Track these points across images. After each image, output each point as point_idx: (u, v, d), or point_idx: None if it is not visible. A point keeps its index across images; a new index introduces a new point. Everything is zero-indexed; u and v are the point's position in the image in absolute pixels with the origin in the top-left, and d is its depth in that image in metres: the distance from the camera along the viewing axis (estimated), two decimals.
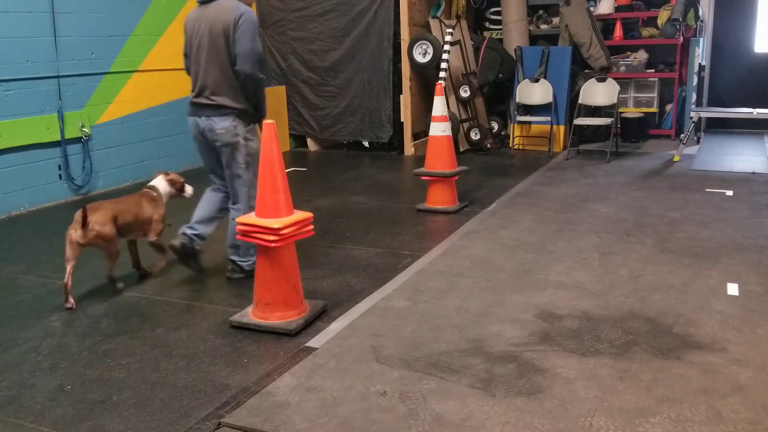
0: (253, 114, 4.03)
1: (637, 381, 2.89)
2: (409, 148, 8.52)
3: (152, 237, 4.26)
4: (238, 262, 4.24)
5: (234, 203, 4.15)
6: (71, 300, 3.90)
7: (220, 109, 3.91)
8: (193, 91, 4.02)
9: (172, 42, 7.63)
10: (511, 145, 8.67)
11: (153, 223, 4.23)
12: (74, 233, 3.85)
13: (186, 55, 4.09)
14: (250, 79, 3.87)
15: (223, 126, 3.91)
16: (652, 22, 8.95)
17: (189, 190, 4.48)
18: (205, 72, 3.91)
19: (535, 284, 4.04)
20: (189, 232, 4.22)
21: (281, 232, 3.38)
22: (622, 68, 8.99)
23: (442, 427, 2.59)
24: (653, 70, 8.98)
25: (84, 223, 3.82)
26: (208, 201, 4.28)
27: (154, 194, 4.29)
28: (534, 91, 8.52)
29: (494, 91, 9.12)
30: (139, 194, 4.27)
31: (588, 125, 8.46)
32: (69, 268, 3.87)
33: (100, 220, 3.89)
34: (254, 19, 3.87)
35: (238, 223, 3.55)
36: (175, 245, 4.18)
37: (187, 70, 4.12)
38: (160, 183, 4.36)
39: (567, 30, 8.70)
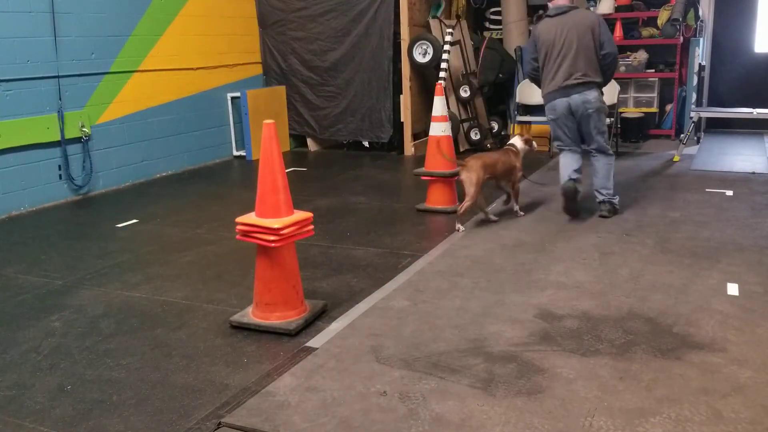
0: (602, 84, 5.33)
1: (637, 381, 2.89)
2: (409, 148, 8.52)
3: (515, 182, 5.50)
4: (609, 200, 5.43)
5: (598, 152, 5.41)
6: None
7: (590, 85, 5.19)
8: (552, 81, 5.26)
9: (172, 42, 7.64)
10: None
11: (515, 171, 5.44)
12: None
13: (535, 59, 5.40)
14: (613, 56, 5.27)
15: (593, 96, 5.20)
16: (652, 22, 8.95)
17: (535, 144, 5.74)
18: (574, 61, 5.18)
19: (535, 284, 4.04)
20: (574, 177, 5.42)
21: (281, 232, 3.38)
22: (622, 68, 8.98)
23: (442, 427, 2.59)
24: (653, 70, 8.98)
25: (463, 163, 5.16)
26: (571, 160, 5.46)
27: (515, 149, 5.52)
28: (534, 91, 8.42)
29: (494, 91, 9.11)
30: (504, 150, 5.53)
31: None
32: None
33: (471, 165, 5.12)
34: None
35: (237, 223, 3.55)
36: (567, 188, 5.37)
37: (537, 70, 5.43)
38: (518, 141, 5.58)
39: None
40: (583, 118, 5.27)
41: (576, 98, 5.21)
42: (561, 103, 5.28)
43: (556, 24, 5.28)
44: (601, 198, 5.46)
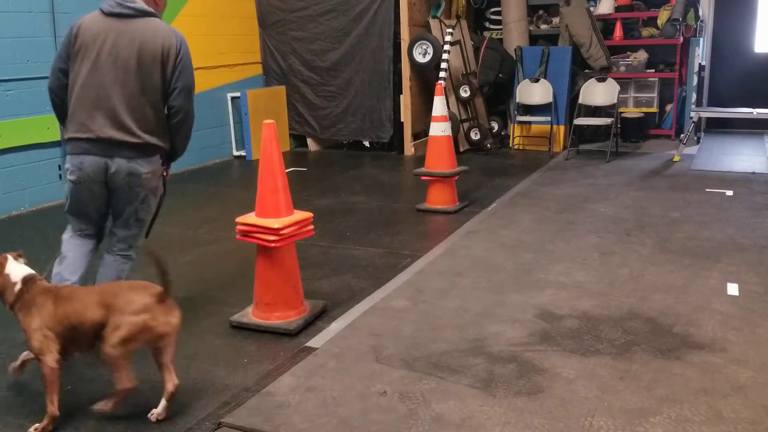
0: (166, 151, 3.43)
1: (637, 381, 2.89)
2: (409, 148, 8.52)
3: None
4: None
5: (120, 251, 3.52)
6: None
7: (147, 149, 3.27)
8: (85, 121, 3.24)
9: None
10: (511, 145, 8.67)
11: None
12: None
13: (64, 71, 3.31)
14: (186, 114, 3.34)
15: (149, 169, 3.32)
16: (652, 22, 8.94)
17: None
18: (123, 101, 3.27)
19: (535, 284, 4.03)
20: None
21: (281, 232, 3.38)
22: (622, 68, 8.99)
23: (442, 427, 2.59)
24: (653, 70, 8.98)
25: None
26: (79, 254, 3.49)
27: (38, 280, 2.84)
28: (534, 91, 8.51)
29: (494, 91, 9.11)
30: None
31: (588, 125, 8.46)
32: None
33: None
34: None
35: (237, 223, 3.54)
36: None
37: (64, 89, 3.33)
38: (18, 268, 2.78)
39: (567, 30, 8.70)
40: (120, 195, 3.28)
41: (122, 164, 3.19)
42: (94, 162, 3.19)
43: (107, 30, 3.17)
44: None
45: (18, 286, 2.68)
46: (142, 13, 3.22)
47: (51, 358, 2.60)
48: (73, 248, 3.45)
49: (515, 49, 8.80)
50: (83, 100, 3.19)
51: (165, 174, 3.46)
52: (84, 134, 3.19)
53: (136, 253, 3.50)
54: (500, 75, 8.71)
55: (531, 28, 9.38)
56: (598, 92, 8.22)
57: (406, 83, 8.36)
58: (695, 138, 8.69)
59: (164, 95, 3.26)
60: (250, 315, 3.59)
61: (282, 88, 8.92)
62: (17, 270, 2.71)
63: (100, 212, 3.41)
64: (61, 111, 3.31)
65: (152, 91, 3.22)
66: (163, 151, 3.35)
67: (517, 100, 8.58)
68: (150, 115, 3.24)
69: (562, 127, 8.55)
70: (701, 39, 8.75)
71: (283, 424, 2.64)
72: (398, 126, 8.50)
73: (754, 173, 6.94)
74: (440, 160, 5.76)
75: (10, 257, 2.75)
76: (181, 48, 3.25)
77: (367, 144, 8.99)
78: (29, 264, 2.82)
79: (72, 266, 3.38)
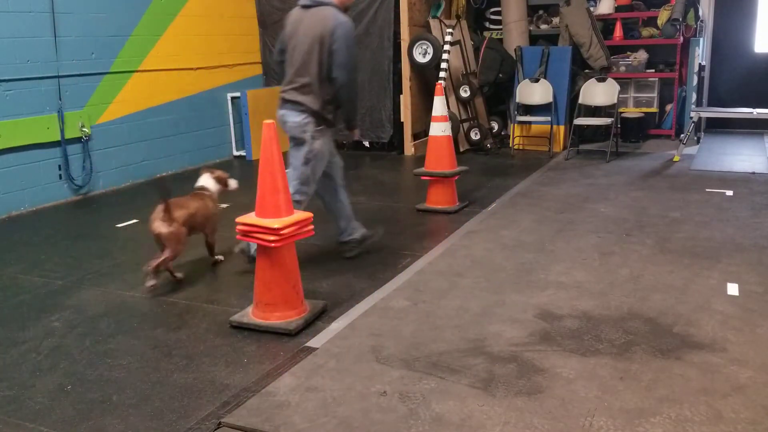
0: (317, 113, 4.26)
1: (637, 381, 2.89)
2: (409, 148, 8.52)
3: (212, 233, 4.56)
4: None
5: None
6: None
7: (296, 106, 4.25)
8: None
9: (172, 42, 7.63)
10: (511, 145, 8.67)
11: (213, 219, 4.50)
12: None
13: (280, 51, 4.44)
14: (343, 86, 4.20)
15: (294, 120, 4.28)
16: (652, 22, 8.95)
17: (232, 182, 4.71)
18: (296, 70, 4.30)
19: (535, 284, 4.04)
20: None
21: (281, 232, 3.38)
22: (622, 68, 8.99)
23: (442, 427, 2.59)
24: (653, 70, 8.98)
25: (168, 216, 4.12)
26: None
27: (209, 193, 4.53)
28: (534, 91, 8.51)
29: (494, 91, 9.11)
30: (196, 194, 4.46)
31: (588, 125, 8.46)
32: None
33: (179, 218, 4.16)
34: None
35: (237, 223, 3.55)
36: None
37: (280, 64, 4.52)
38: (209, 181, 4.58)
39: (567, 30, 8.70)
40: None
41: (280, 113, 4.31)
42: (277, 113, 4.36)
43: (298, 19, 4.27)
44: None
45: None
46: (318, 4, 4.18)
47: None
48: None
49: (515, 49, 8.80)
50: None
51: (347, 134, 4.57)
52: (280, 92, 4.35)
53: (302, 193, 4.36)
54: (500, 75, 8.71)
55: (531, 28, 9.38)
56: (598, 92, 8.22)
57: (406, 83, 8.36)
58: (695, 138, 8.69)
59: (322, 69, 4.13)
60: (250, 315, 3.59)
61: None
62: (201, 179, 4.54)
63: None
64: (279, 79, 4.47)
65: (313, 65, 4.13)
66: (313, 111, 4.19)
67: (517, 100, 8.58)
68: (306, 82, 4.17)
69: (562, 127, 8.55)
70: (701, 39, 8.75)
71: (283, 424, 2.64)
72: (398, 126, 8.50)
73: (754, 173, 6.94)
74: (440, 160, 5.76)
75: (207, 172, 4.59)
76: (336, 31, 4.06)
77: (367, 144, 8.99)
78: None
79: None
